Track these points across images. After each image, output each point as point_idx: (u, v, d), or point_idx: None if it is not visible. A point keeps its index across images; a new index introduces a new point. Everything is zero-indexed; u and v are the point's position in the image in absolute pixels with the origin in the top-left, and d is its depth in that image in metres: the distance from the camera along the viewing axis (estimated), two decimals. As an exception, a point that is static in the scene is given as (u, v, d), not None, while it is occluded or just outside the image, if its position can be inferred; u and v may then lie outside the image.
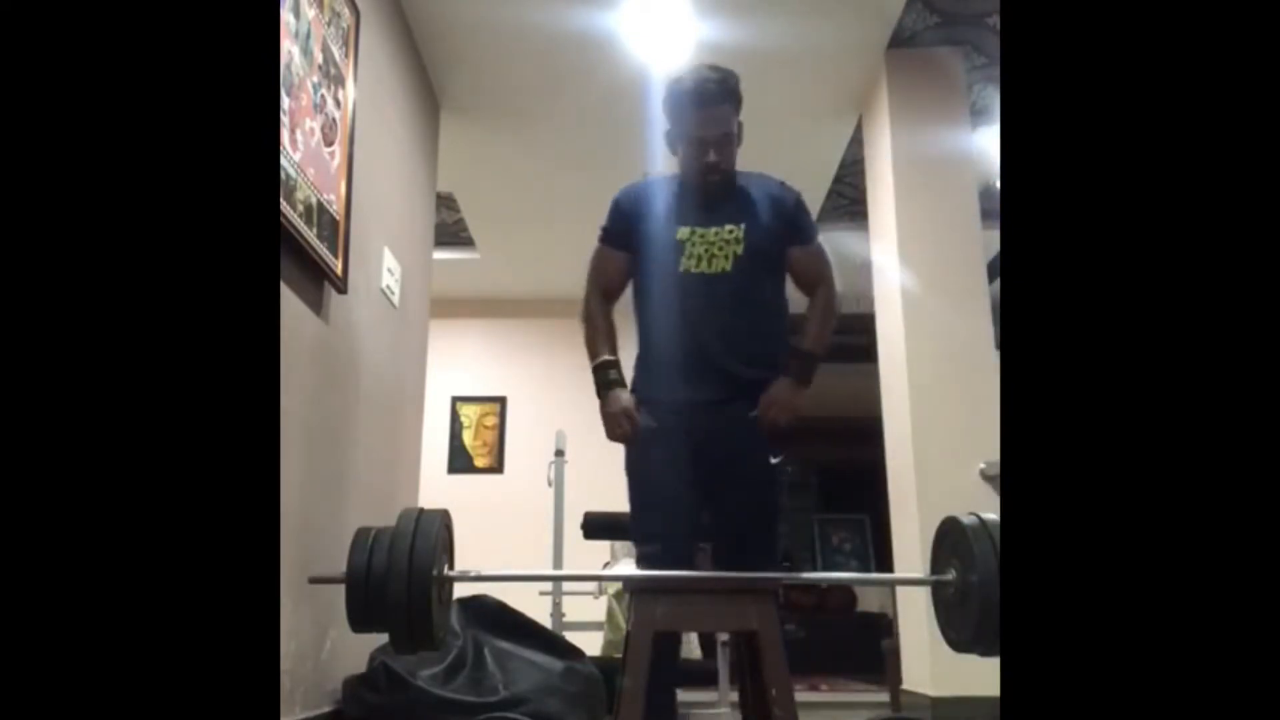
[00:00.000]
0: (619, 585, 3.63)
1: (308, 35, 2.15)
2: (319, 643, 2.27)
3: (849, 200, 4.61)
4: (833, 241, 4.88)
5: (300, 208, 2.06)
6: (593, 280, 2.09)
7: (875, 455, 3.44)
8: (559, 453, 4.04)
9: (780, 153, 3.88)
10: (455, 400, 5.84)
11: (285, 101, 1.99)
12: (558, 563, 3.92)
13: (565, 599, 3.92)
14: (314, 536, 2.22)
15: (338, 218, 2.35)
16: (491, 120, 3.92)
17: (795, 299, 2.08)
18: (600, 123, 3.80)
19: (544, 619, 3.35)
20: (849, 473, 6.75)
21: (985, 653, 1.43)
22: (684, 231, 1.97)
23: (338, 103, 2.37)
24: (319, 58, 2.23)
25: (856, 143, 3.93)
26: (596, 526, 2.97)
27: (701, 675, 3.42)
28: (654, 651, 1.50)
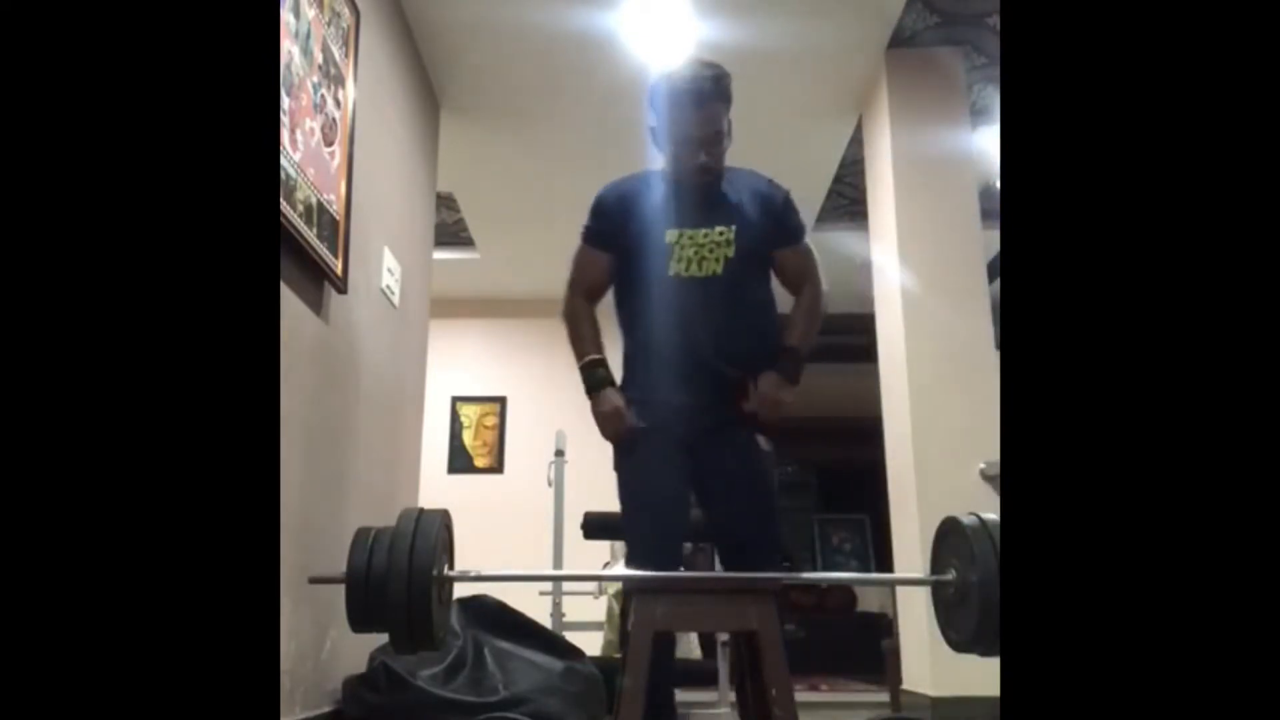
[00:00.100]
0: (619, 585, 3.63)
1: (308, 35, 2.15)
2: (319, 643, 2.27)
3: (849, 200, 4.61)
4: (833, 241, 4.91)
5: (300, 208, 2.06)
6: (575, 280, 2.04)
7: (875, 455, 3.44)
8: (559, 453, 4.04)
9: (780, 153, 3.89)
10: (455, 400, 5.84)
11: (285, 101, 1.99)
12: (558, 563, 3.92)
13: (565, 599, 3.91)
14: (314, 536, 2.22)
15: (338, 218, 2.35)
16: (491, 120, 3.92)
17: (784, 298, 2.05)
18: (600, 123, 3.80)
19: (544, 619, 3.35)
20: (849, 473, 6.76)
21: (985, 653, 1.43)
22: (673, 234, 1.93)
23: (338, 103, 2.37)
24: (319, 58, 2.23)
25: (856, 143, 3.93)
26: (596, 526, 2.97)
27: (701, 675, 3.42)
28: (654, 651, 1.50)
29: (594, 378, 1.94)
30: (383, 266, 2.91)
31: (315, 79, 2.20)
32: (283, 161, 1.96)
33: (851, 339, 3.84)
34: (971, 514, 1.50)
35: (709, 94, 1.89)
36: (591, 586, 4.05)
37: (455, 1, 3.13)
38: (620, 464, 1.97)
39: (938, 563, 1.57)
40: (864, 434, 4.08)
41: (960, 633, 1.50)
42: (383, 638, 1.65)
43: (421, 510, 1.45)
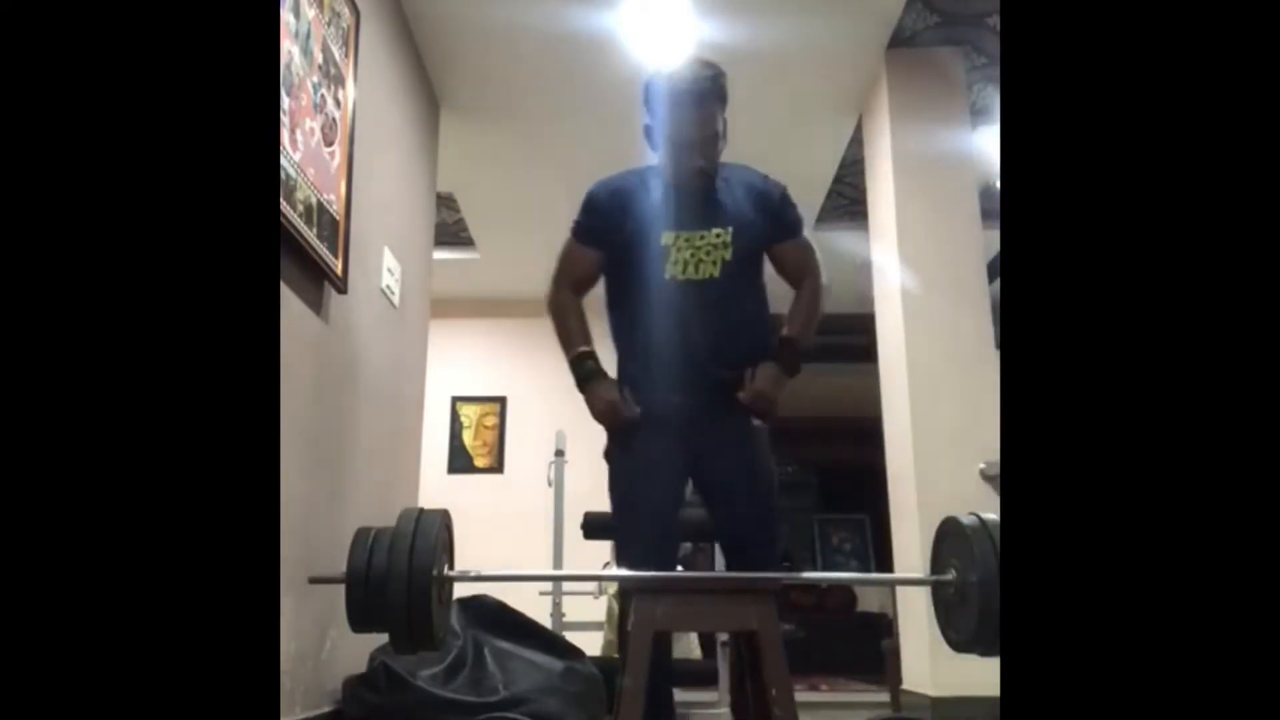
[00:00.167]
0: (619, 585, 3.63)
1: (308, 35, 2.15)
2: (319, 643, 2.27)
3: (849, 200, 4.61)
4: (833, 241, 4.90)
5: (300, 208, 2.06)
6: (561, 274, 2.01)
7: (875, 455, 3.44)
8: (559, 453, 4.04)
9: (780, 153, 3.88)
10: (455, 400, 5.84)
11: (285, 101, 1.99)
12: (558, 563, 3.92)
13: (565, 599, 3.91)
14: (314, 536, 2.22)
15: (338, 218, 2.35)
16: (491, 120, 3.92)
17: (776, 297, 2.03)
18: (601, 122, 3.79)
19: (544, 619, 3.35)
20: (849, 473, 6.76)
21: (985, 653, 1.43)
22: (669, 237, 1.89)
23: (338, 103, 2.37)
24: (319, 58, 2.23)
25: (856, 143, 3.93)
26: (596, 527, 2.97)
27: (701, 675, 3.41)
28: (654, 651, 1.50)
29: (584, 370, 1.92)
30: (383, 266, 2.91)
31: (315, 79, 2.20)
32: (283, 161, 1.96)
33: (851, 339, 3.84)
34: (971, 514, 1.50)
35: (707, 95, 1.86)
36: (591, 586, 4.05)
37: (455, 1, 3.13)
38: (612, 458, 1.95)
39: (938, 563, 1.57)
40: (864, 434, 4.08)
41: (960, 633, 1.50)
42: (383, 638, 1.65)
43: (421, 510, 1.45)
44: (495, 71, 3.56)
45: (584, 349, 1.93)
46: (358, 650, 2.42)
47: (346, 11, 2.45)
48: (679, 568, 2.28)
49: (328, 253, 2.26)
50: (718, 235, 1.90)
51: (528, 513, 4.87)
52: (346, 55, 2.45)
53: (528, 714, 2.24)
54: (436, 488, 4.70)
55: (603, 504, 1.99)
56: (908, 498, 3.09)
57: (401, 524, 1.41)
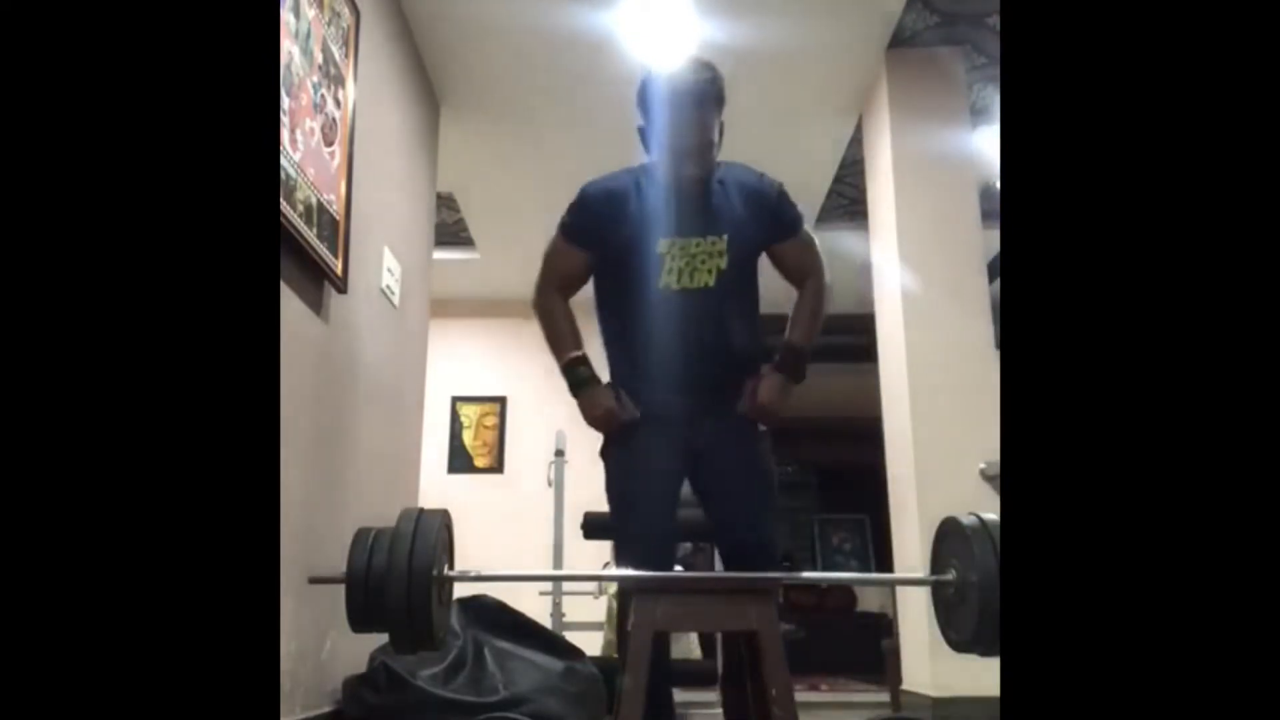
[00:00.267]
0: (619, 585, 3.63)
1: (308, 35, 2.15)
2: (319, 643, 2.27)
3: (849, 200, 4.61)
4: (833, 241, 4.89)
5: (300, 208, 2.06)
6: (548, 275, 1.96)
7: (875, 455, 3.44)
8: (559, 453, 4.05)
9: (780, 153, 3.88)
10: (455, 400, 5.84)
11: (285, 101, 1.99)
12: (558, 563, 3.92)
13: (565, 599, 3.92)
14: (314, 536, 2.22)
15: (338, 218, 2.35)
16: (491, 120, 3.92)
17: (769, 298, 2.01)
18: (601, 122, 3.79)
19: (544, 619, 3.36)
20: (849, 473, 6.76)
21: (985, 653, 1.43)
22: (664, 244, 1.85)
23: (338, 103, 2.37)
24: (319, 58, 2.23)
25: (856, 143, 3.93)
26: (596, 527, 2.96)
27: (701, 675, 3.42)
28: (654, 651, 1.50)
29: (578, 376, 1.89)
30: (383, 266, 2.91)
31: (315, 79, 2.20)
32: (283, 161, 1.96)
33: (851, 339, 3.84)
34: (971, 514, 1.50)
35: (704, 99, 1.81)
36: (591, 586, 4.05)
37: (455, 1, 3.13)
38: (609, 457, 1.94)
39: (938, 563, 1.57)
40: (864, 434, 4.08)
41: (960, 633, 1.50)
42: (383, 638, 1.65)
43: (421, 510, 1.45)
44: (495, 71, 3.56)
45: (575, 354, 1.91)
46: (358, 650, 2.42)
47: (346, 11, 2.45)
48: (678, 567, 2.28)
49: (328, 253, 2.26)
50: (713, 243, 1.86)
51: (528, 513, 4.87)
52: (346, 55, 2.45)
53: (528, 714, 2.24)
54: (436, 488, 4.71)
55: (603, 504, 1.99)
56: (908, 498, 3.09)
57: (401, 524, 1.41)
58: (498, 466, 5.79)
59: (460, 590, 1.80)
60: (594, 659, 2.64)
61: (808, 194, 4.43)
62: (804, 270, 1.97)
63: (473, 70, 3.54)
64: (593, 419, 1.90)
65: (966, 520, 1.49)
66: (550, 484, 4.16)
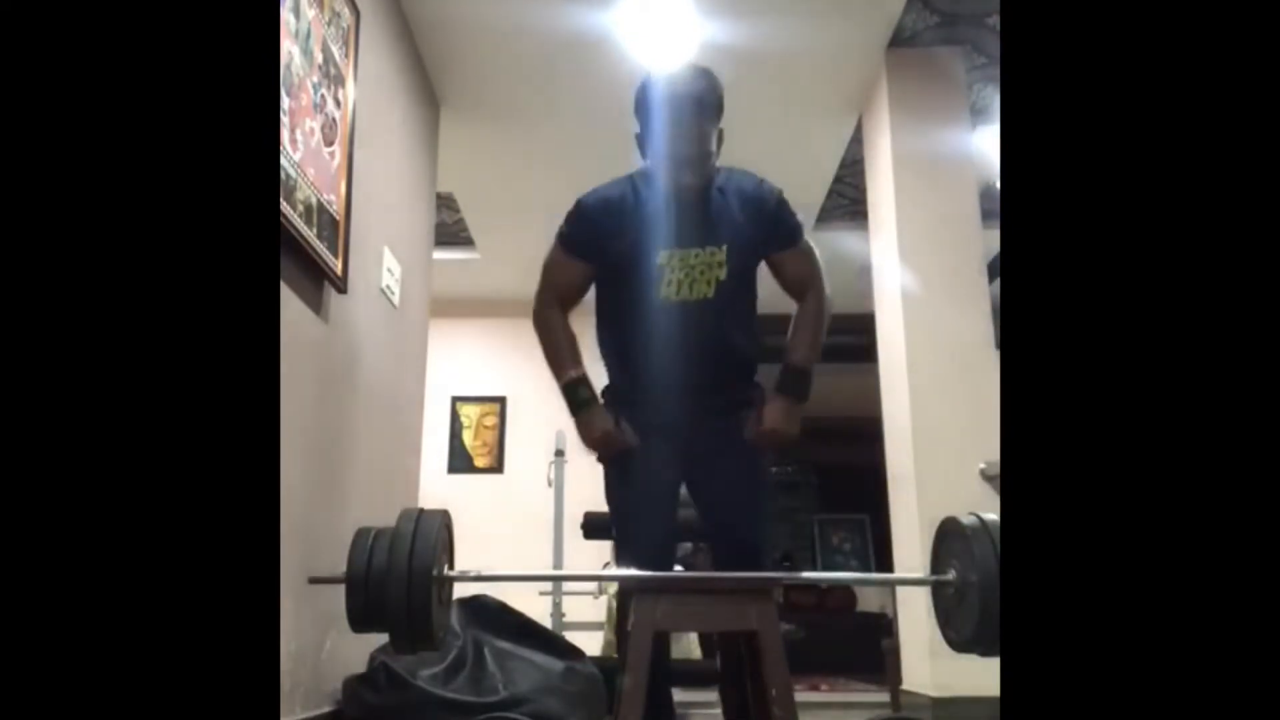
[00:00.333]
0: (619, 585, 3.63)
1: (308, 35, 2.15)
2: (319, 643, 2.27)
3: (849, 200, 4.61)
4: (833, 241, 4.89)
5: (300, 208, 2.06)
6: (548, 288, 1.93)
7: (875, 455, 3.44)
8: (559, 453, 4.05)
9: (780, 153, 3.88)
10: (455, 400, 5.84)
11: (285, 101, 1.99)
12: (558, 563, 3.93)
13: (565, 599, 3.92)
14: (314, 536, 2.22)
15: (338, 218, 2.35)
16: (491, 120, 3.92)
17: (767, 298, 1.99)
18: (601, 122, 3.79)
19: (544, 619, 3.35)
20: (849, 473, 6.75)
21: (985, 653, 1.43)
22: (663, 255, 1.83)
23: (338, 103, 2.37)
24: (319, 58, 2.23)
25: (856, 143, 3.93)
26: (596, 527, 2.96)
27: (701, 675, 3.41)
28: (654, 651, 1.50)
29: (578, 397, 1.87)
30: (383, 266, 2.91)
31: (315, 79, 2.20)
32: (283, 161, 1.96)
33: (851, 339, 3.84)
34: (971, 514, 1.50)
35: (703, 108, 1.79)
36: (591, 586, 4.05)
37: (455, 1, 3.13)
38: (608, 463, 1.93)
39: (938, 563, 1.57)
40: (864, 434, 4.08)
41: (960, 633, 1.50)
42: (383, 638, 1.65)
43: (421, 510, 1.45)
44: (495, 71, 3.56)
45: (575, 374, 1.88)
46: (358, 650, 2.42)
47: (346, 11, 2.45)
48: (678, 567, 2.28)
49: (328, 253, 2.26)
50: (712, 254, 1.84)
51: (528, 513, 4.87)
52: (346, 55, 2.45)
53: (528, 714, 2.24)
54: (436, 488, 4.71)
55: (603, 504, 1.99)
56: (908, 498, 3.09)
57: (401, 524, 1.41)
58: (498, 466, 5.79)
59: (460, 590, 1.80)
60: (594, 659, 2.64)
61: (808, 194, 4.44)
62: (803, 282, 1.93)
63: (473, 70, 3.54)
64: (590, 441, 1.88)
65: (966, 520, 1.49)
66: (550, 484, 4.16)
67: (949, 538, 1.54)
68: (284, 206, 1.95)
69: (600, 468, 1.96)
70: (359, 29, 2.55)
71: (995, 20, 3.25)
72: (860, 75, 3.52)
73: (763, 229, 1.88)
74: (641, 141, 1.90)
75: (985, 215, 3.31)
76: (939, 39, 3.37)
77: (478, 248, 5.20)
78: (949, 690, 2.76)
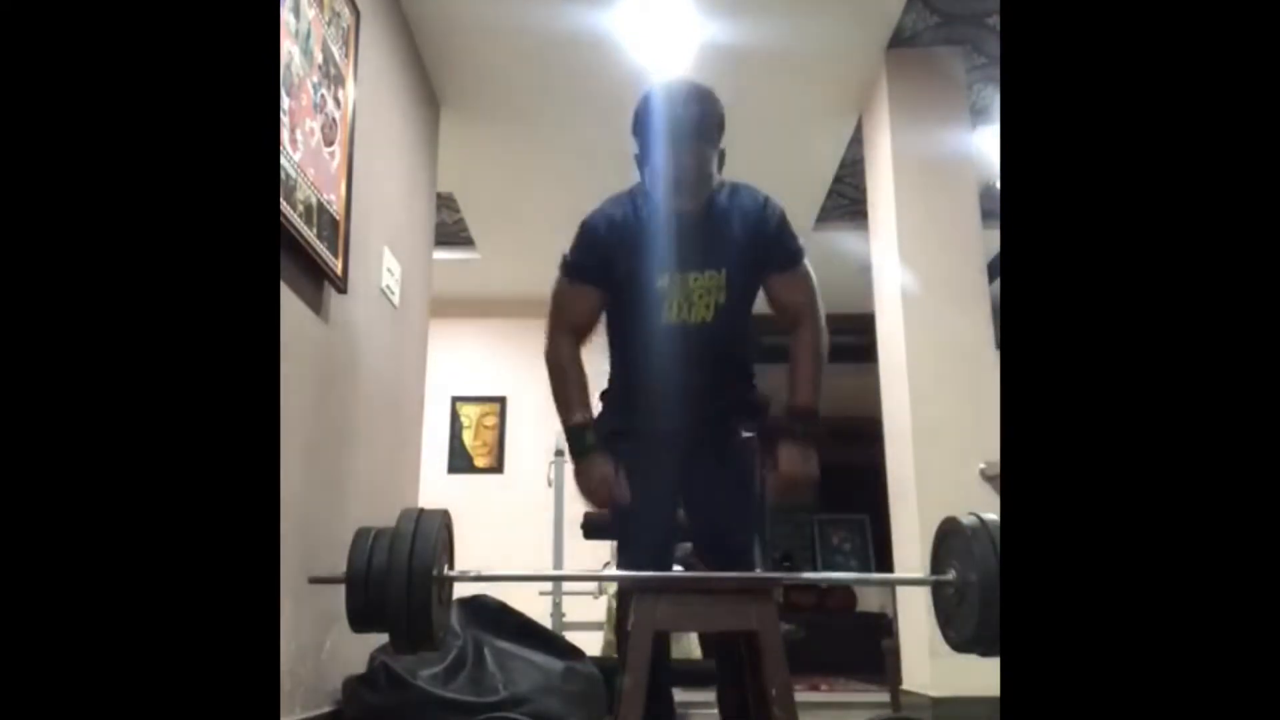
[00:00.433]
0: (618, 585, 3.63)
1: (308, 35, 2.15)
2: (319, 643, 2.27)
3: (849, 200, 4.60)
4: (833, 241, 4.89)
5: (300, 208, 2.06)
6: (559, 320, 1.88)
7: (875, 455, 3.44)
8: (559, 453, 4.04)
9: (780, 153, 3.89)
10: (455, 400, 5.84)
11: (285, 101, 1.99)
12: (558, 563, 3.93)
13: (565, 599, 3.92)
14: (314, 536, 2.22)
15: (338, 218, 2.35)
16: (491, 120, 3.92)
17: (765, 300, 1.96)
18: (601, 123, 3.79)
19: (544, 619, 3.35)
20: (849, 473, 6.75)
21: (985, 653, 1.43)
22: (664, 278, 1.80)
23: (338, 103, 2.37)
24: (319, 58, 2.23)
25: (856, 143, 3.93)
26: (596, 527, 2.97)
27: (701, 675, 3.41)
28: (654, 651, 1.50)
29: (582, 443, 1.82)
30: (383, 266, 2.91)
31: (315, 79, 2.20)
32: (283, 161, 1.96)
33: (851, 339, 3.84)
34: (971, 514, 1.50)
35: (703, 130, 1.75)
36: (591, 586, 4.06)
37: (455, 1, 3.13)
38: (612, 507, 1.92)
39: (938, 563, 1.57)
40: (864, 434, 4.08)
41: (960, 633, 1.50)
42: (383, 638, 1.65)
43: (421, 510, 1.45)
44: (495, 71, 3.56)
45: (580, 419, 1.83)
46: (358, 650, 2.42)
47: (346, 11, 2.45)
48: (678, 567, 2.28)
49: (328, 253, 2.26)
50: (711, 278, 1.81)
51: (528, 513, 4.87)
52: (346, 55, 2.45)
53: (528, 714, 2.24)
54: (436, 488, 4.70)
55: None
56: (908, 498, 3.09)
57: (401, 524, 1.41)
58: (498, 466, 5.79)
59: (460, 590, 1.80)
60: (594, 659, 2.64)
61: (808, 194, 4.44)
62: (797, 310, 1.88)
63: (473, 70, 3.54)
64: (587, 490, 1.85)
65: (966, 520, 1.49)
66: (550, 484, 4.16)
67: (949, 538, 1.54)
68: (284, 206, 1.95)
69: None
70: (359, 29, 2.55)
71: (995, 20, 3.25)
72: (860, 75, 3.52)
73: (762, 249, 1.85)
74: (640, 163, 1.86)
75: (985, 215, 3.30)
76: (939, 39, 3.37)
77: (478, 248, 5.20)
78: (949, 690, 2.76)
